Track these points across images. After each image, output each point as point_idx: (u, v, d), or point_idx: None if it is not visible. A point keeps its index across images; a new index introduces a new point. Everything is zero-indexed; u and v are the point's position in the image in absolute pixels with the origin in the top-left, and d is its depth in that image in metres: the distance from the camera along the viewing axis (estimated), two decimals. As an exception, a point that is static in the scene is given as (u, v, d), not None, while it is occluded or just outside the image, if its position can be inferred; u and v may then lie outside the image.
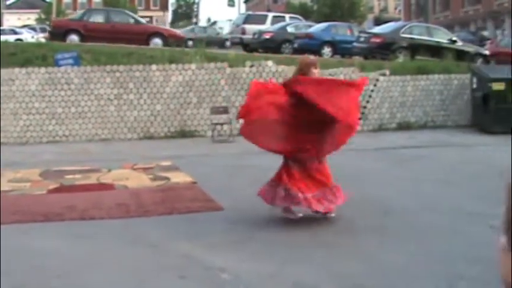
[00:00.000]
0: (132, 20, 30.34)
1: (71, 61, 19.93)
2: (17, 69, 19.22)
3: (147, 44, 27.80)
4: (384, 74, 20.94)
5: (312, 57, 9.86)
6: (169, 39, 28.67)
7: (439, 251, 7.79)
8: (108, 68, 19.41)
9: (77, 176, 13.05)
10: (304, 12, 60.65)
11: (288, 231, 8.75)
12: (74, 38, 28.01)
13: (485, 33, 51.67)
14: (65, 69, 19.29)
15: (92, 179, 12.71)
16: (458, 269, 7.06)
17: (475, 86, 19.82)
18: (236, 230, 8.84)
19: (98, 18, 29.87)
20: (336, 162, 14.11)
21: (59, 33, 28.57)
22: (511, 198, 1.31)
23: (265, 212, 9.71)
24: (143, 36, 28.36)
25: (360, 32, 31.17)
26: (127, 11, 35.20)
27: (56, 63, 19.84)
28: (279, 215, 9.50)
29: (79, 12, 35.31)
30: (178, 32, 34.78)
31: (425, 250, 7.85)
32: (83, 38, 27.81)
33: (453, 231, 8.61)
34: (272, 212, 9.42)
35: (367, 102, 20.19)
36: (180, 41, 29.32)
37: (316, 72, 9.26)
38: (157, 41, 28.62)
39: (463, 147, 16.40)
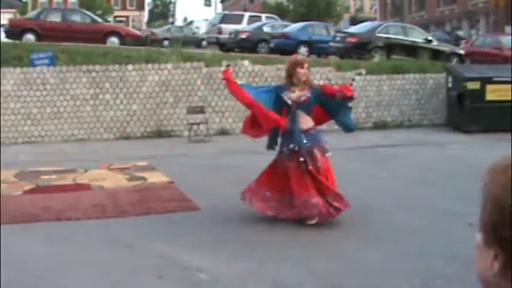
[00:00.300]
0: (88, 19, 30.22)
1: (46, 61, 19.80)
2: (-9, 70, 19.08)
3: (104, 42, 27.65)
4: (359, 74, 21.00)
5: (299, 56, 9.83)
6: (126, 38, 28.52)
7: (415, 249, 7.84)
8: (84, 67, 19.31)
9: (53, 176, 12.97)
10: (281, 12, 60.69)
11: (266, 231, 8.76)
12: (30, 37, 27.77)
13: (460, 32, 51.97)
14: (40, 69, 19.16)
15: (68, 180, 12.64)
16: (434, 268, 7.11)
17: (450, 85, 19.94)
18: (213, 230, 8.84)
19: (54, 18, 29.67)
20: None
21: (15, 33, 28.38)
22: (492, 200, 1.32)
23: (242, 212, 9.71)
24: (100, 35, 28.19)
25: (336, 31, 31.21)
26: (84, 10, 35.05)
27: (32, 64, 19.70)
28: (256, 214, 9.51)
29: (35, 11, 34.98)
30: (136, 31, 34.64)
31: (402, 249, 7.90)
32: (39, 37, 27.61)
33: (429, 230, 8.67)
34: (250, 210, 9.43)
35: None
36: (139, 40, 29.14)
37: (302, 72, 9.15)
38: (114, 40, 28.38)
39: (438, 146, 16.50)
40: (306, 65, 9.27)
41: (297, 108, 9.14)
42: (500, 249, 1.27)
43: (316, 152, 9.03)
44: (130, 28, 38.85)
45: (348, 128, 9.83)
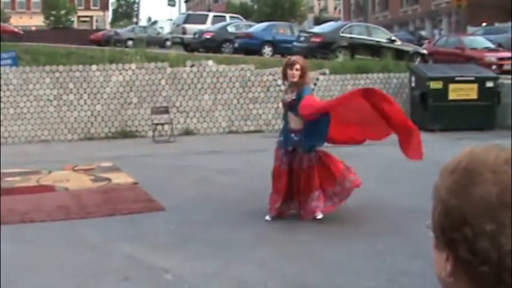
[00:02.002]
0: None
1: (9, 61, 19.63)
2: (-47, 70, 18.85)
3: None
4: (324, 73, 21.10)
5: (293, 57, 9.66)
6: (2, 35, 28.30)
7: (380, 247, 7.90)
8: (47, 68, 19.16)
9: (17, 178, 12.85)
10: (245, 12, 60.75)
11: (231, 231, 8.78)
12: None
13: (423, 32, 52.41)
14: (3, 69, 18.98)
15: (32, 181, 12.54)
16: (399, 265, 7.18)
17: (413, 84, 20.11)
18: (179, 231, 8.84)
19: None
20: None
21: None
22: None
23: (207, 212, 9.73)
24: None
25: (300, 31, 31.32)
26: None
27: (-6, 64, 19.53)
28: (221, 214, 9.53)
29: None
30: (13, 28, 34.36)
31: (367, 247, 7.95)
32: None
33: (394, 228, 8.74)
34: (215, 211, 9.44)
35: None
36: (17, 37, 28.87)
37: (291, 74, 9.15)
38: None
39: (402, 145, 16.60)
40: (297, 66, 9.17)
41: (288, 110, 9.29)
42: (450, 251, 1.30)
43: (301, 152, 9.17)
44: (6, 24, 38.48)
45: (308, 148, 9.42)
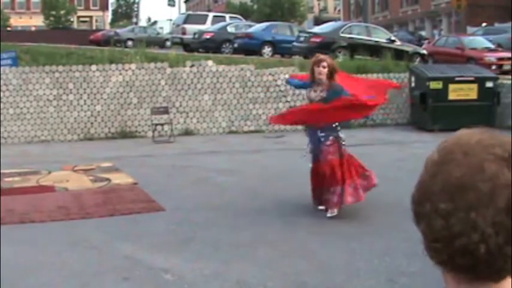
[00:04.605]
0: None
1: (9, 61, 19.63)
2: (-48, 71, 18.85)
3: None
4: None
5: (321, 55, 9.65)
6: None
7: (380, 247, 7.91)
8: (47, 68, 19.16)
9: (16, 178, 12.86)
10: (245, 12, 60.77)
11: (231, 231, 8.78)
12: None
13: (423, 33, 52.47)
14: (3, 69, 18.97)
15: (32, 182, 12.54)
16: (400, 265, 7.18)
17: (413, 84, 20.10)
18: (178, 231, 8.84)
19: None
20: (277, 161, 14.22)
21: None
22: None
23: (207, 212, 9.73)
24: None
25: (300, 31, 31.32)
26: None
27: (-6, 64, 19.53)
28: (220, 214, 9.54)
29: None
30: None
31: (367, 246, 7.95)
32: None
33: (393, 227, 8.74)
34: (216, 212, 9.43)
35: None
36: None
37: (318, 71, 9.21)
38: None
39: (402, 145, 16.62)
40: (324, 64, 9.23)
41: None
42: (417, 224, 1.34)
43: (325, 147, 9.26)
44: None
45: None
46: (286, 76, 10.68)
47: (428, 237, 1.30)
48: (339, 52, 26.76)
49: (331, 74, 9.24)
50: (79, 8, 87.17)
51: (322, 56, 9.51)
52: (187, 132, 19.32)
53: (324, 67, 9.17)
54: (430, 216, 1.28)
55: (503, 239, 1.22)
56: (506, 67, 25.82)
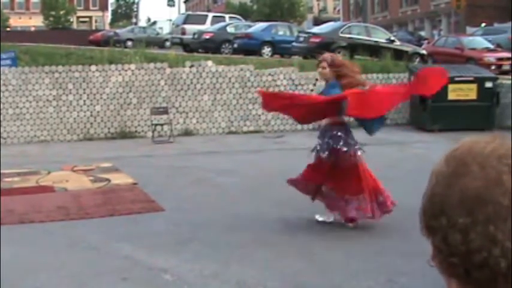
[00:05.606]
0: None
1: (8, 62, 19.62)
2: (-48, 71, 18.85)
3: None
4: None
5: (326, 54, 9.32)
6: None
7: (379, 247, 7.91)
8: (46, 68, 19.15)
9: (16, 178, 12.85)
10: (244, 12, 60.78)
11: (230, 232, 8.78)
12: None
13: (423, 33, 52.50)
14: (2, 70, 18.96)
15: (31, 182, 12.53)
16: (398, 265, 7.18)
17: (413, 85, 20.12)
18: (178, 231, 8.84)
19: None
20: (276, 161, 14.21)
21: None
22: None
23: (207, 213, 9.73)
24: None
25: (299, 32, 31.33)
26: None
27: (-7, 64, 19.52)
28: (220, 215, 9.53)
29: None
30: None
31: (366, 247, 7.96)
32: None
33: (392, 228, 8.74)
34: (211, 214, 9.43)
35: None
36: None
37: (318, 71, 9.16)
38: None
39: (401, 145, 16.62)
40: (322, 64, 8.96)
41: None
42: (428, 236, 1.31)
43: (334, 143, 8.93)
44: None
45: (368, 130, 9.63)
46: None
47: (443, 251, 1.27)
48: (339, 52, 26.65)
49: (336, 72, 8.90)
50: (78, 8, 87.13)
51: (323, 56, 9.26)
52: (187, 133, 19.32)
53: (323, 68, 8.96)
54: (446, 230, 1.25)
55: None
56: (506, 67, 25.86)
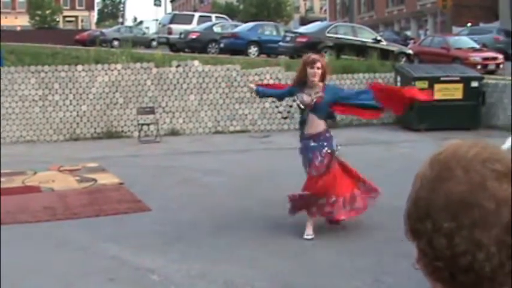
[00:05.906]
0: None
1: (-6, 62, 19.55)
2: None
3: None
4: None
5: (313, 55, 8.80)
6: None
7: (365, 247, 7.92)
8: (32, 68, 19.08)
9: (2, 179, 12.78)
10: (231, 12, 60.80)
11: (217, 231, 8.78)
12: None
13: (409, 33, 52.69)
14: (-13, 70, 18.90)
15: (17, 182, 12.48)
16: (385, 265, 7.20)
17: (399, 84, 20.11)
18: (165, 231, 8.83)
19: None
20: (263, 161, 14.22)
21: None
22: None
23: (193, 212, 9.73)
24: None
25: (286, 31, 31.35)
26: None
27: (-21, 64, 19.43)
28: (206, 214, 9.53)
29: None
30: None
31: (353, 247, 7.97)
32: None
33: (379, 228, 8.76)
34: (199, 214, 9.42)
35: (293, 101, 20.29)
36: None
37: (312, 72, 8.43)
38: None
39: (387, 145, 16.67)
40: (318, 65, 8.46)
41: (310, 112, 8.61)
42: (413, 239, 1.32)
43: (314, 158, 8.59)
44: None
45: (375, 107, 9.43)
46: (252, 85, 9.79)
47: (428, 255, 1.27)
48: (325, 52, 26.77)
49: (323, 76, 8.59)
50: (65, 7, 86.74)
51: (314, 56, 8.78)
52: (174, 132, 19.29)
53: (318, 68, 8.47)
54: (431, 235, 1.26)
55: (505, 255, 1.22)
56: (491, 67, 25.99)
